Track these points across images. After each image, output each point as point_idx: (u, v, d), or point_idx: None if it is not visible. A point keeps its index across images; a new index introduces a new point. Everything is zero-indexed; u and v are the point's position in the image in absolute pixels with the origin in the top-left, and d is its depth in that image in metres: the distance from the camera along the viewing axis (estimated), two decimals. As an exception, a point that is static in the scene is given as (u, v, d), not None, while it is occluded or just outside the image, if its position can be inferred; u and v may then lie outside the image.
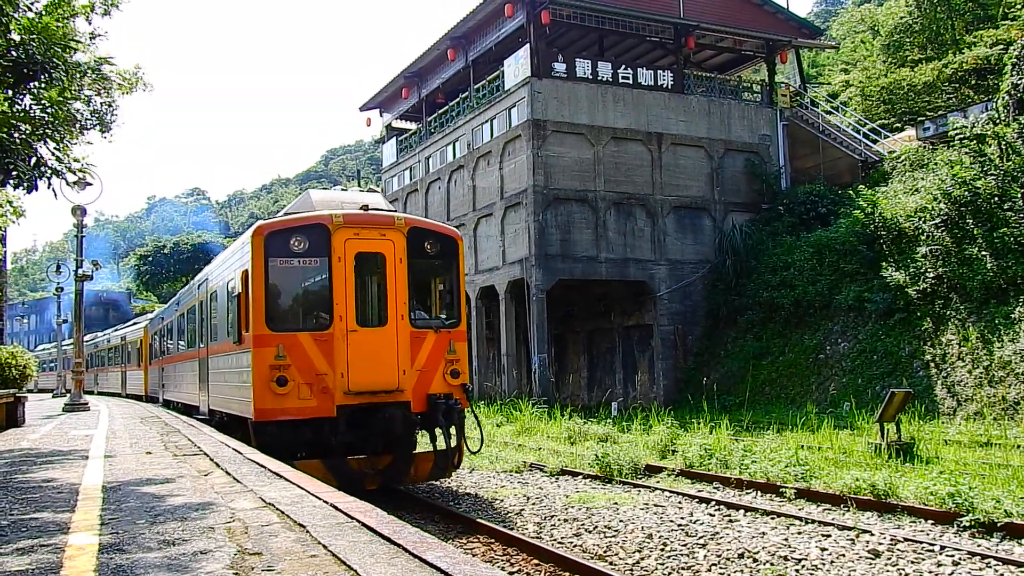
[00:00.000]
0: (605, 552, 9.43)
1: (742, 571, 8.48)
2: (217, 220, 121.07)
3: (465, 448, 12.02)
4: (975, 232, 22.87)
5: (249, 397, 10.95)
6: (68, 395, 25.74)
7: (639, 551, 9.39)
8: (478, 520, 10.67)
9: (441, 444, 11.87)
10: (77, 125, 11.69)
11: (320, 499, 6.03)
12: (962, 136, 24.86)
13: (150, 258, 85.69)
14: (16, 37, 9.57)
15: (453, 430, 11.63)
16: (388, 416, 10.99)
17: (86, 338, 48.03)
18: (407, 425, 11.22)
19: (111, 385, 41.46)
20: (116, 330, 43.73)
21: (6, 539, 5.08)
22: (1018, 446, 15.52)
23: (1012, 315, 20.93)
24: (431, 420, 11.46)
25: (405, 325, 11.42)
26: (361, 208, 11.82)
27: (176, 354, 21.84)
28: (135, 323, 38.10)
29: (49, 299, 67.24)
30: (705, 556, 9.04)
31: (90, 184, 17.86)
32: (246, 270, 11.45)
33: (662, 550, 9.37)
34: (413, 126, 44.16)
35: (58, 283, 38.51)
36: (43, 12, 10.24)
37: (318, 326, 11.08)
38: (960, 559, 8.34)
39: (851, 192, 30.12)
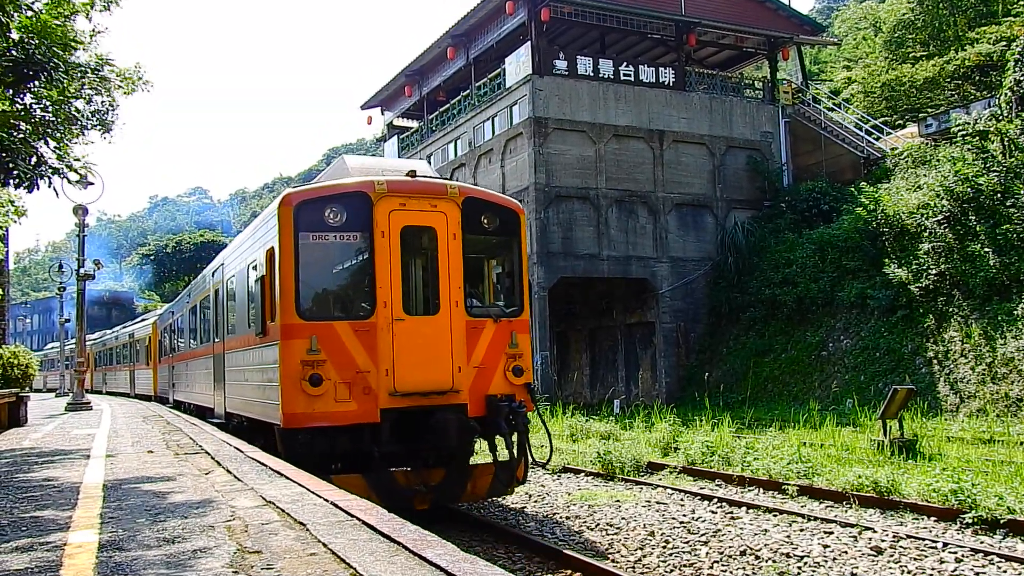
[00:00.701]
0: (607, 549, 9.42)
1: (744, 568, 8.47)
2: (219, 219, 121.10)
3: (531, 459, 10.22)
4: (978, 229, 22.82)
5: (276, 399, 9.36)
6: (71, 394, 25.78)
7: (641, 548, 9.39)
8: (472, 514, 10.66)
9: (502, 455, 10.14)
10: (78, 124, 11.69)
11: (320, 497, 6.03)
12: (965, 132, 24.81)
13: (152, 257, 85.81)
14: (16, 36, 9.57)
15: (516, 438, 9.83)
16: (441, 422, 9.33)
17: (94, 336, 48.04)
18: (464, 432, 9.51)
19: (119, 385, 39.72)
20: (124, 327, 41.66)
21: (6, 537, 5.08)
22: (1021, 443, 15.49)
23: (1015, 311, 20.88)
24: (491, 426, 9.69)
25: (460, 313, 9.74)
26: (407, 175, 10.08)
27: (187, 351, 20.09)
28: (143, 319, 36.72)
29: (54, 299, 67.33)
30: (707, 553, 9.03)
31: (91, 183, 17.91)
32: (272, 248, 9.87)
33: (664, 547, 9.37)
34: (414, 124, 44.16)
35: (60, 282, 38.59)
36: (43, 11, 10.24)
37: (358, 314, 9.44)
38: (963, 556, 8.32)
39: (853, 189, 30.08)
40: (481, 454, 11.32)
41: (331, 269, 10.04)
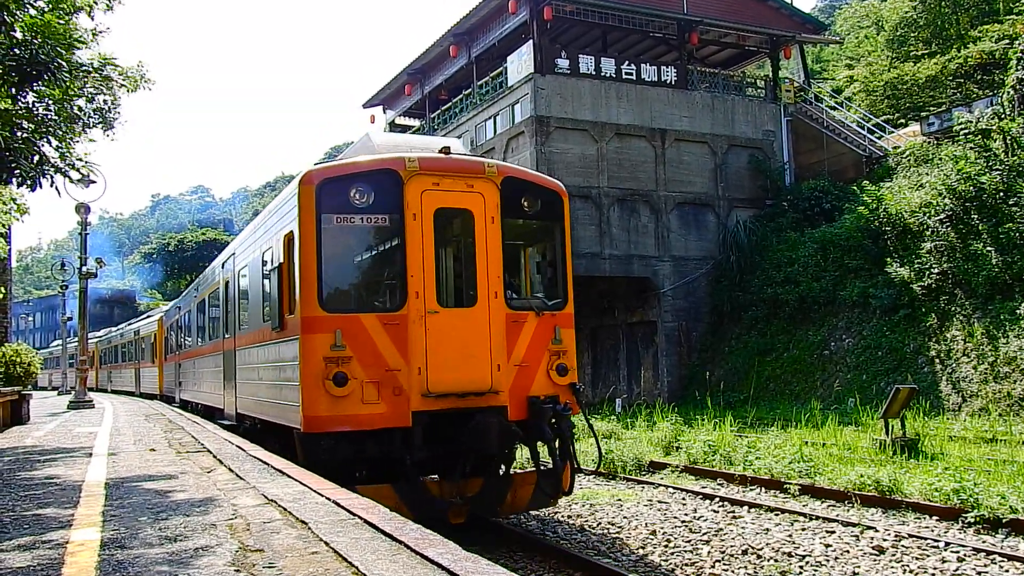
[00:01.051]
0: (609, 548, 9.42)
1: (746, 567, 8.47)
2: (221, 217, 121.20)
3: (576, 467, 9.36)
4: (980, 227, 22.78)
5: (295, 400, 8.56)
6: (73, 392, 25.82)
7: (643, 547, 9.39)
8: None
9: (535, 461, 9.43)
10: (80, 123, 11.70)
11: (322, 496, 6.03)
12: (967, 131, 24.76)
13: (155, 255, 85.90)
14: (19, 35, 9.58)
15: (561, 443, 9.07)
16: (480, 426, 8.49)
17: (100, 333, 48.05)
18: (505, 438, 8.63)
19: (125, 383, 38.84)
20: (130, 324, 40.68)
21: (8, 535, 5.08)
22: (1023, 442, 15.47)
23: (1017, 311, 20.85)
24: (534, 431, 8.88)
25: (499, 305, 8.89)
26: (440, 151, 9.27)
27: (194, 348, 19.21)
28: (149, 316, 35.90)
29: (56, 297, 67.37)
30: (709, 552, 9.03)
31: (93, 182, 17.91)
32: (290, 232, 9.02)
33: (666, 546, 9.37)
34: (416, 123, 44.16)
35: (63, 281, 38.61)
36: (45, 9, 10.25)
37: (387, 305, 8.71)
38: (965, 555, 8.32)
39: (855, 188, 30.03)
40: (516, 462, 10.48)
41: (357, 255, 9.28)
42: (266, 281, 10.43)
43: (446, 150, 9.27)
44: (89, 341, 47.02)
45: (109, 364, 43.89)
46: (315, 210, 8.51)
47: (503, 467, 9.41)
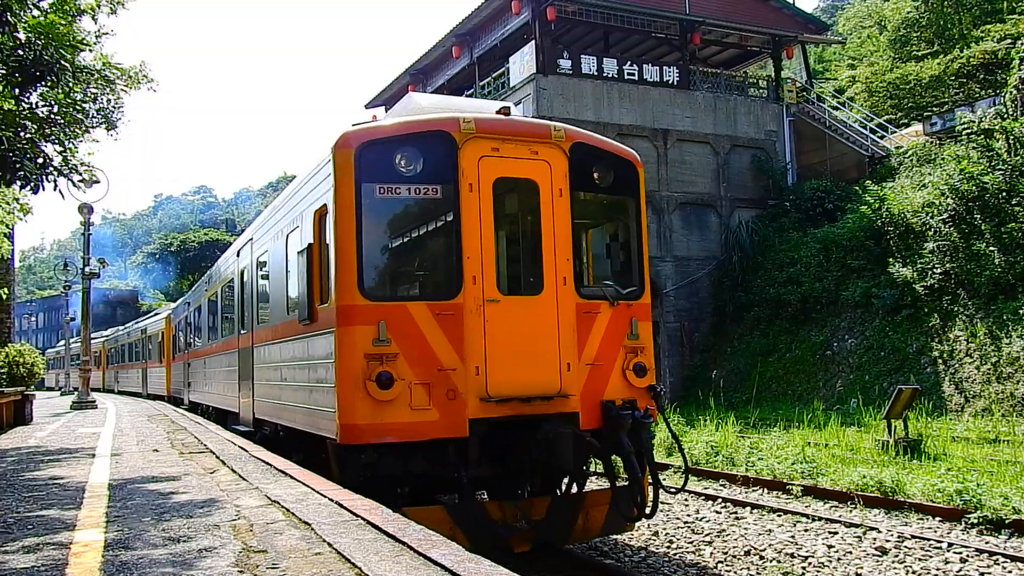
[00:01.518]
0: (611, 549, 9.43)
1: (749, 568, 8.47)
2: (223, 217, 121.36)
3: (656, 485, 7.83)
4: (983, 227, 22.75)
5: (329, 405, 7.39)
6: (76, 392, 25.87)
7: (645, 548, 9.39)
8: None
9: (609, 478, 8.04)
10: (83, 124, 11.73)
11: (325, 497, 6.04)
12: (969, 131, 24.73)
13: (157, 256, 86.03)
14: (23, 37, 9.60)
15: (639, 457, 7.60)
16: (551, 437, 7.34)
17: (106, 333, 48.05)
18: (581, 451, 7.37)
19: (131, 384, 37.57)
20: (137, 323, 39.47)
21: (13, 536, 5.10)
22: (1026, 443, 15.45)
23: (1020, 311, 20.82)
24: (609, 442, 7.58)
25: (569, 293, 7.70)
26: (499, 112, 8.06)
27: (205, 346, 17.79)
28: (156, 314, 34.86)
29: (59, 297, 67.47)
30: (711, 553, 9.03)
31: (96, 183, 17.93)
32: (323, 207, 7.80)
33: (668, 547, 9.38)
34: (419, 123, 44.07)
35: (66, 281, 38.69)
36: (48, 11, 10.28)
37: (439, 293, 7.47)
38: (968, 556, 8.31)
39: (858, 188, 30.01)
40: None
41: (403, 233, 8.17)
42: (292, 267, 9.21)
43: (505, 111, 8.06)
44: (96, 340, 47.17)
45: (116, 364, 43.07)
46: (354, 179, 7.29)
47: (571, 484, 8.31)
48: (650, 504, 7.67)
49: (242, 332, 12.61)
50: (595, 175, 8.28)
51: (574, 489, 8.26)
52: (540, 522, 7.60)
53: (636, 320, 8.11)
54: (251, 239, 12.31)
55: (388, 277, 7.87)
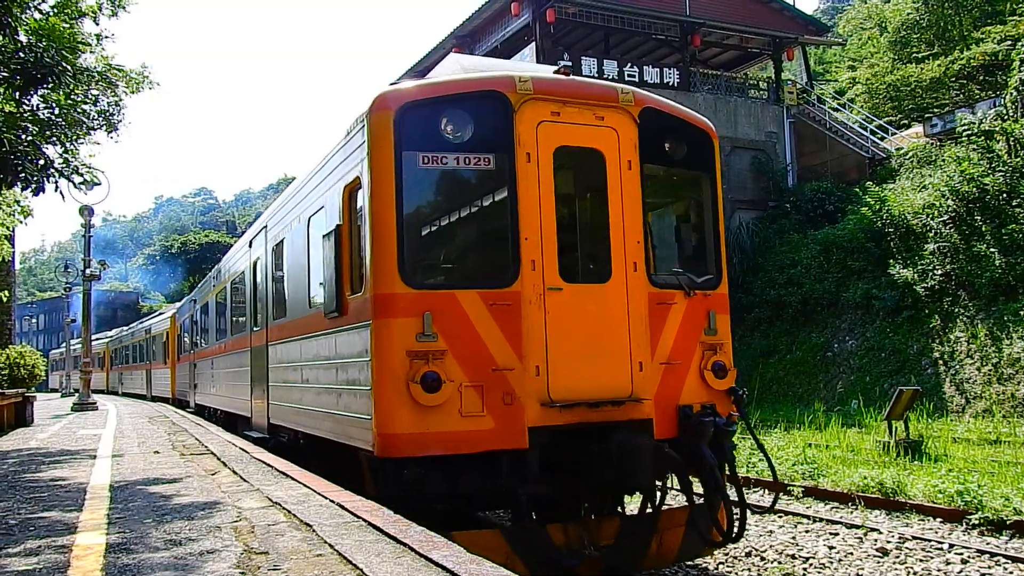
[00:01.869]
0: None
1: (750, 569, 8.47)
2: (224, 219, 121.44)
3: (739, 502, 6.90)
4: (983, 229, 22.75)
5: (364, 411, 6.46)
6: (77, 394, 25.89)
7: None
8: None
9: (686, 495, 7.11)
10: (84, 126, 11.75)
11: (326, 498, 6.05)
12: (970, 132, 24.72)
13: (158, 258, 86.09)
14: (24, 39, 9.62)
15: (718, 472, 6.70)
16: (625, 448, 6.42)
17: (111, 333, 47.96)
18: (660, 465, 6.63)
19: (136, 386, 36.39)
20: (142, 322, 38.37)
21: (14, 538, 5.10)
22: (1027, 444, 15.44)
23: (1021, 312, 20.81)
24: (688, 454, 6.66)
25: (640, 281, 6.79)
26: (559, 71, 7.13)
27: (212, 346, 16.71)
28: (161, 313, 33.86)
29: (60, 298, 67.50)
30: (712, 555, 9.03)
31: (97, 184, 17.95)
32: (355, 181, 6.85)
33: (669, 549, 9.36)
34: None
35: (66, 283, 38.74)
36: (50, 13, 10.30)
37: (493, 280, 6.50)
38: (969, 557, 8.30)
39: (858, 189, 30.00)
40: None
41: (450, 210, 7.28)
42: (315, 254, 8.23)
43: (565, 70, 7.11)
44: (100, 341, 47.15)
45: (120, 365, 42.15)
46: (393, 146, 6.33)
47: (645, 503, 7.34)
48: (736, 525, 6.74)
49: (255, 329, 11.63)
50: (666, 146, 7.25)
51: (640, 508, 7.27)
52: (609, 547, 6.65)
53: (714, 312, 7.15)
54: (265, 227, 11.26)
55: (433, 261, 7.01)
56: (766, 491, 12.23)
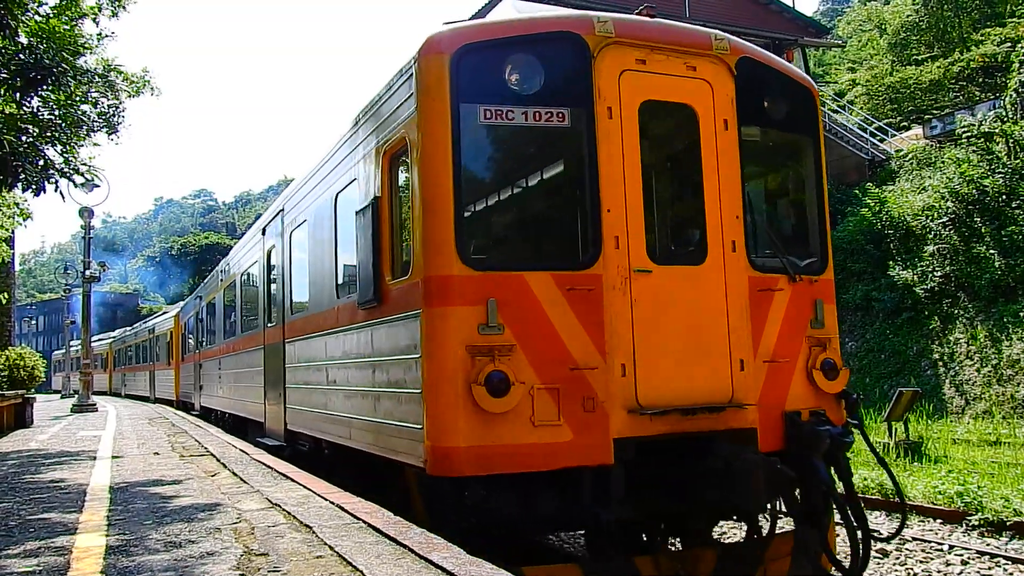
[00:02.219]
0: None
1: (749, 571, 8.45)
2: (223, 221, 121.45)
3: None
4: (983, 230, 22.76)
5: (413, 420, 5.44)
6: (76, 395, 25.89)
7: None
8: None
9: (795, 518, 6.03)
10: (84, 128, 11.75)
11: (326, 500, 6.04)
12: (969, 134, 24.75)
13: (157, 259, 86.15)
14: (24, 40, 9.63)
15: (831, 490, 5.68)
16: (730, 464, 5.39)
17: (114, 334, 47.91)
18: (773, 484, 5.46)
19: (139, 387, 35.28)
20: (146, 322, 37.03)
21: (14, 540, 5.10)
22: (1027, 445, 15.44)
23: (1021, 313, 20.82)
24: (800, 469, 5.55)
25: (740, 264, 5.76)
26: (642, 11, 6.08)
27: (221, 344, 15.51)
28: (165, 312, 32.58)
29: (59, 300, 67.49)
30: None
31: (97, 186, 17.97)
32: (399, 143, 5.78)
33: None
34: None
35: (66, 284, 38.75)
36: (51, 14, 10.31)
37: (570, 259, 5.57)
38: (969, 558, 8.30)
39: (858, 191, 30.01)
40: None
41: (518, 175, 6.26)
42: (344, 235, 7.26)
43: (649, 10, 6.06)
44: (103, 342, 47.11)
45: (123, 366, 41.18)
46: (449, 96, 5.28)
47: (752, 530, 6.27)
48: (860, 556, 5.64)
49: (269, 326, 10.60)
50: (765, 104, 6.19)
51: (759, 535, 6.19)
52: None
53: (821, 302, 6.13)
54: (281, 211, 10.17)
55: (497, 237, 6.15)
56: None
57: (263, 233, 11.43)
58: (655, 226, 6.02)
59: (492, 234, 6.13)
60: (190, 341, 21.32)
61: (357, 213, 6.55)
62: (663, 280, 5.55)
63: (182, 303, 27.71)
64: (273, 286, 10.70)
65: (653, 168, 6.05)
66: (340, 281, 7.52)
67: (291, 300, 9.65)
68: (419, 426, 5.33)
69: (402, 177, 5.98)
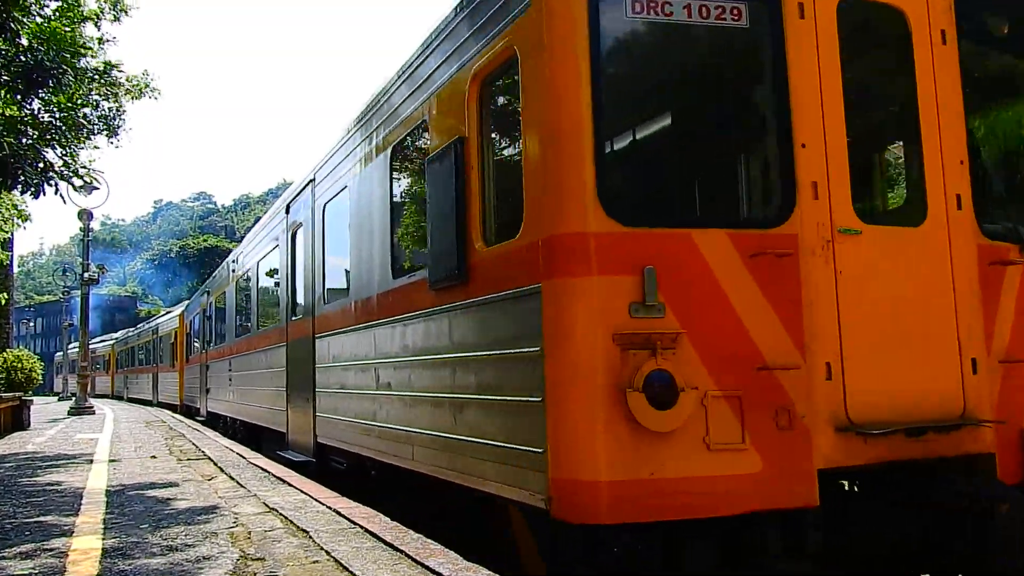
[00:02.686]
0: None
1: None
2: (222, 224, 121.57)
3: None
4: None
5: (526, 439, 4.01)
6: (74, 398, 25.88)
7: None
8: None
9: None
10: (85, 130, 11.78)
11: (323, 504, 6.03)
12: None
13: (156, 262, 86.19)
14: (25, 42, 9.66)
15: None
16: (980, 505, 3.91)
17: (116, 335, 47.84)
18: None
19: (142, 390, 33.63)
20: (149, 322, 35.96)
21: (10, 542, 5.09)
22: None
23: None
24: None
25: (966, 227, 4.28)
26: None
27: (232, 343, 14.04)
28: (168, 312, 31.37)
29: (58, 302, 67.45)
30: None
31: (96, 188, 18.00)
32: (499, 57, 4.44)
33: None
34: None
35: (65, 286, 38.76)
36: (52, 17, 10.34)
37: (751, 214, 4.71)
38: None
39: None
40: None
41: (677, 94, 4.90)
42: (406, 195, 6.09)
43: None
44: (105, 343, 47.05)
45: (125, 369, 39.82)
46: None
47: None
48: None
49: (293, 319, 9.29)
50: (984, 17, 4.73)
51: None
52: None
53: None
54: (311, 181, 8.67)
55: (650, 180, 4.89)
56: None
57: (286, 211, 9.88)
58: (856, 172, 4.24)
59: (644, 177, 4.67)
60: (195, 341, 19.91)
61: (429, 162, 5.10)
62: (873, 245, 4.00)
63: (186, 302, 26.18)
64: (299, 272, 9.20)
65: (852, 91, 4.19)
66: (398, 255, 6.02)
67: (323, 287, 8.15)
68: (537, 449, 3.84)
69: (501, 104, 4.63)
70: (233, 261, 14.63)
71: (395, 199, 6.09)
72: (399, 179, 6.10)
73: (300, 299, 9.15)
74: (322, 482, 7.21)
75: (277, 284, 10.59)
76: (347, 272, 7.35)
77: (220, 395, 15.53)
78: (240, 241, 17.02)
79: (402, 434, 5.74)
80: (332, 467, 7.78)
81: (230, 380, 14.11)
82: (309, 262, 8.67)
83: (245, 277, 12.92)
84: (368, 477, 6.92)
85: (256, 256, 11.97)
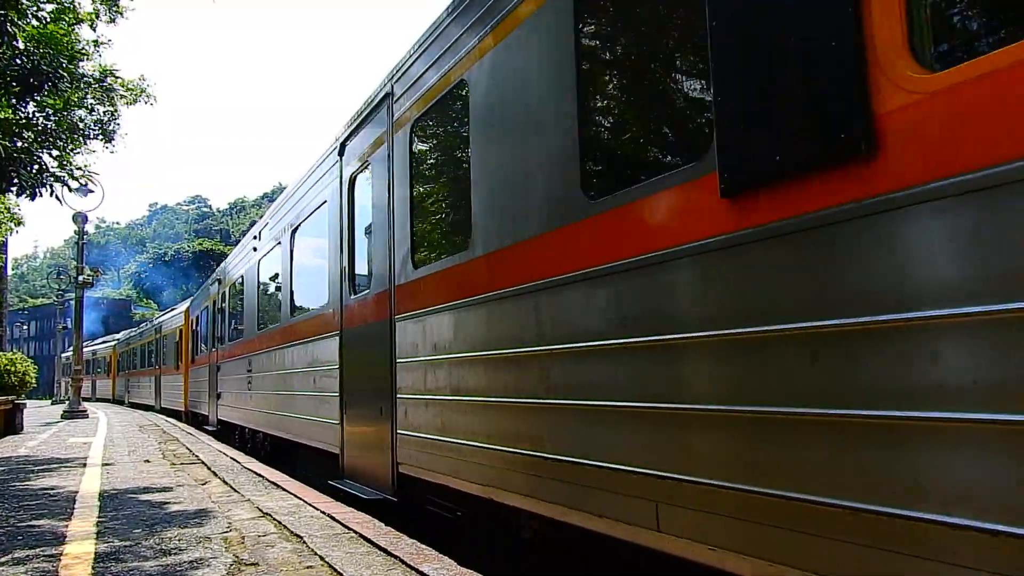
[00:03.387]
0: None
1: None
2: (217, 227, 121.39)
3: None
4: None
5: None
6: (67, 402, 25.80)
7: (637, 564, 9.35)
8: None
9: None
10: (80, 134, 11.78)
11: (317, 509, 6.03)
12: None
13: (151, 265, 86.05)
14: (21, 45, 9.66)
15: None
16: None
17: (119, 335, 47.64)
18: None
19: (143, 394, 31.58)
20: (152, 320, 33.92)
21: (3, 547, 5.07)
22: None
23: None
24: None
25: None
26: None
27: (252, 337, 11.74)
28: (172, 310, 28.61)
29: (52, 305, 67.24)
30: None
31: (92, 191, 17.98)
32: None
33: (660, 563, 9.32)
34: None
35: (60, 289, 38.64)
36: (48, 20, 10.34)
37: None
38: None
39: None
40: None
41: None
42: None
43: None
44: (106, 344, 46.90)
45: (127, 371, 37.42)
46: None
47: None
48: None
49: (353, 298, 7.05)
50: None
51: None
52: None
53: None
54: (388, 95, 6.32)
55: None
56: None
57: (340, 154, 7.56)
58: None
59: None
60: (203, 339, 17.81)
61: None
62: None
63: (191, 298, 23.49)
64: (360, 233, 7.14)
65: None
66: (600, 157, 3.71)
67: (412, 243, 5.74)
68: None
69: None
70: (254, 238, 12.19)
71: (581, 61, 3.69)
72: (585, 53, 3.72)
73: (364, 268, 7.01)
74: (422, 539, 4.91)
75: (323, 256, 8.11)
76: (483, 204, 4.62)
77: (235, 401, 13.09)
78: (235, 244, 16.66)
79: (630, 480, 3.21)
80: (430, 511, 5.70)
81: (249, 383, 11.75)
82: (381, 215, 6.38)
83: (271, 253, 10.80)
84: (502, 529, 4.83)
85: (288, 224, 9.74)
